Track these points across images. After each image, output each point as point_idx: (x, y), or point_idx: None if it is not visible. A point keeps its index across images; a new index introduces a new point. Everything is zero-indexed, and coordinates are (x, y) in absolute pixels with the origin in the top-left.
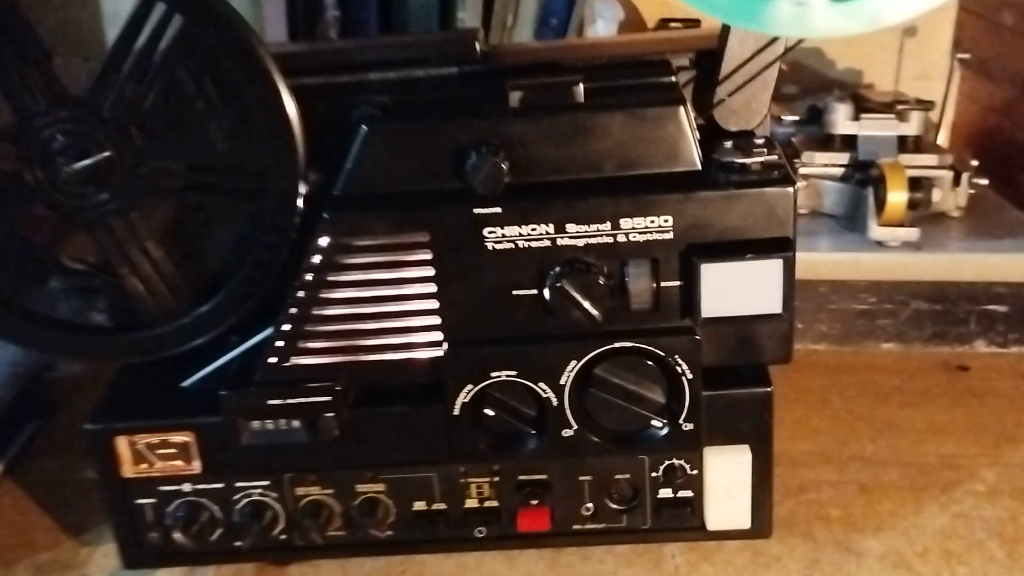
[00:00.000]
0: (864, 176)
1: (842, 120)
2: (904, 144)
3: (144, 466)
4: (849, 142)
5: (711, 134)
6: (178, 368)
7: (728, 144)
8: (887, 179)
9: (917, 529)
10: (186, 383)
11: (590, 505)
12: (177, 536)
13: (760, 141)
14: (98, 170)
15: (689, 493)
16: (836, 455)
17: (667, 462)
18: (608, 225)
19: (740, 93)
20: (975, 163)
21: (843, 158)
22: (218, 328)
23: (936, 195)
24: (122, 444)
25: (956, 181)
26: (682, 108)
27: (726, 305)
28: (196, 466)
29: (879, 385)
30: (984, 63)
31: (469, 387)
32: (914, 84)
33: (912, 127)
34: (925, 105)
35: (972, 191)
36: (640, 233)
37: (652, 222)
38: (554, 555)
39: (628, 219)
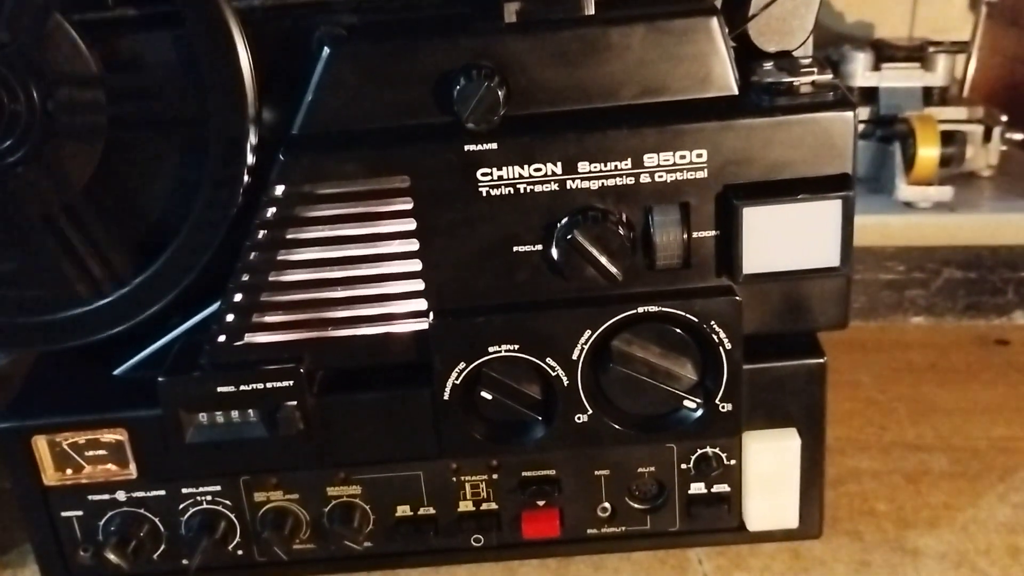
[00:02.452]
0: (888, 132)
1: (861, 71)
2: (929, 97)
3: (69, 472)
4: (869, 95)
5: (744, 56)
6: (108, 355)
7: (768, 65)
8: (917, 133)
9: (977, 523)
10: (118, 371)
11: (607, 505)
12: (111, 556)
13: (807, 60)
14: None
15: (725, 488)
16: (874, 441)
17: (700, 451)
18: (628, 163)
19: (778, 5)
20: (1005, 118)
21: (863, 113)
22: (156, 304)
23: (969, 151)
24: (42, 445)
25: (987, 137)
26: (715, 19)
27: (772, 258)
28: (131, 470)
29: (912, 362)
30: (1013, 9)
31: (461, 366)
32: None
33: (938, 77)
34: (957, 47)
35: (1003, 147)
36: (667, 172)
37: (682, 158)
38: (562, 566)
39: (653, 155)
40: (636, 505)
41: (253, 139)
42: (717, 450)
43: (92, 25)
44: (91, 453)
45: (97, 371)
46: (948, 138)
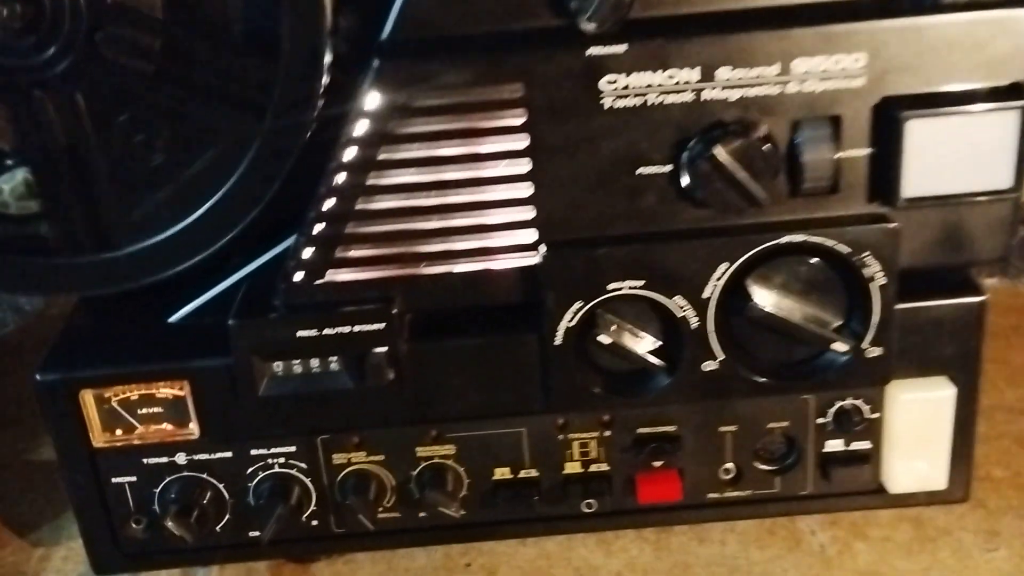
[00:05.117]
0: None
1: None
2: None
3: (120, 432)
4: None
5: None
6: (156, 302)
7: None
8: None
9: None
10: (173, 318)
11: (731, 466)
12: (171, 526)
13: None
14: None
15: (866, 444)
16: None
17: (840, 403)
18: (776, 68)
19: None
20: None
21: None
22: (213, 244)
23: None
24: (89, 401)
25: None
26: None
27: (936, 180)
28: (193, 429)
29: (995, 325)
30: None
31: (577, 305)
32: None
33: None
34: None
35: None
36: (820, 80)
37: (837, 63)
38: (660, 537)
39: (804, 59)
40: (764, 466)
41: (330, 54)
42: (860, 402)
43: None
44: (145, 411)
45: (147, 319)
46: None
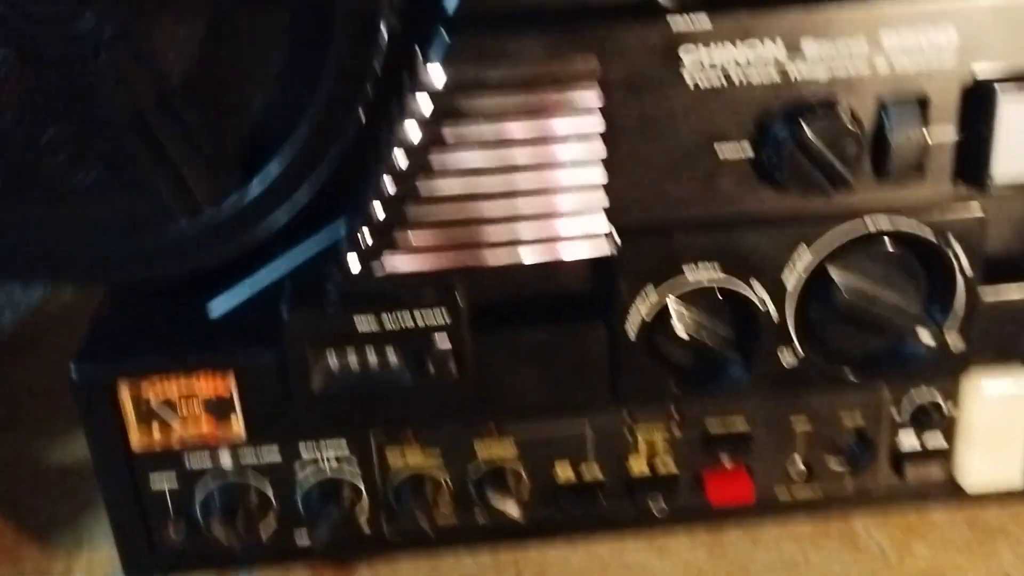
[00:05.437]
0: None
1: None
2: None
3: (159, 432)
4: None
5: None
6: (195, 296)
7: None
8: None
9: None
10: (213, 311)
11: (802, 464)
12: (217, 532)
13: None
14: None
15: (941, 440)
16: None
17: (917, 397)
18: (864, 44)
19: None
20: None
21: None
22: (263, 227)
23: None
24: (127, 399)
25: None
26: None
27: None
28: (237, 429)
29: None
30: None
31: (651, 295)
32: None
33: None
34: None
35: None
36: (908, 56)
37: (926, 39)
38: (714, 540)
39: (892, 34)
40: (834, 464)
41: (389, 21)
42: (937, 395)
43: None
44: (184, 410)
45: (185, 313)
46: None
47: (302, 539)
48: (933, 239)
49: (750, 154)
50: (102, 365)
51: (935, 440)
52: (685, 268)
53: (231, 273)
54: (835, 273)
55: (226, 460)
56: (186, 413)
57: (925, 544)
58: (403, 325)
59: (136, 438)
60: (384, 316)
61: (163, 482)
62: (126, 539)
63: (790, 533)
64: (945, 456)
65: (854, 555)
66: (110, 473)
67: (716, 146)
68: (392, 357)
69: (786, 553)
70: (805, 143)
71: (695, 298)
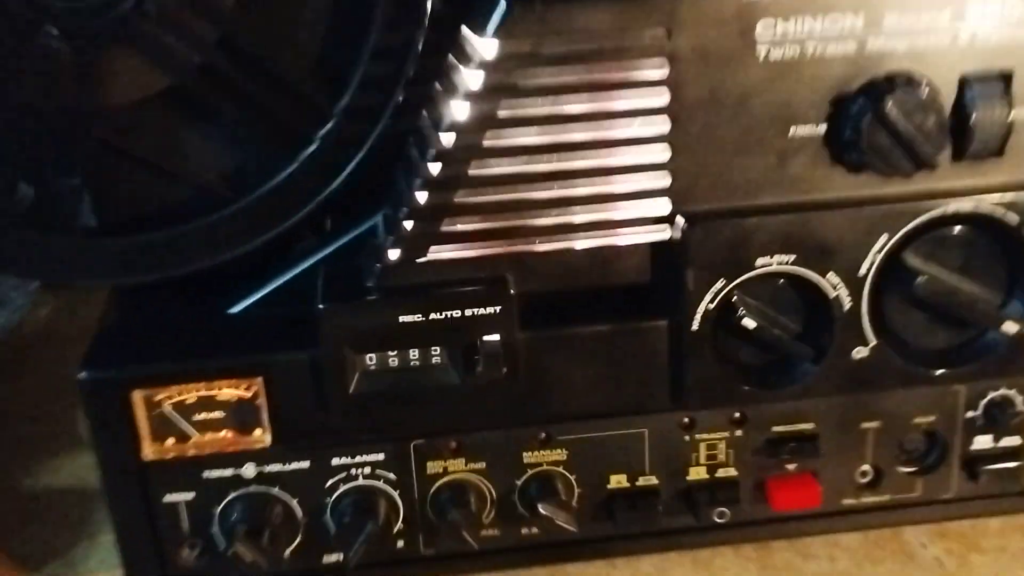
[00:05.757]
0: None
1: None
2: None
3: (173, 442)
4: None
5: None
6: (211, 293)
7: None
8: None
9: None
10: (235, 308)
11: (869, 468)
12: (240, 550)
13: None
14: None
15: (1017, 441)
16: None
17: (993, 393)
18: (947, 16)
19: None
20: None
21: None
22: (293, 214)
23: None
24: (140, 404)
25: None
26: None
27: None
28: (262, 436)
29: None
30: None
31: (719, 285)
32: None
33: None
34: None
35: None
36: (993, 29)
37: (1010, 10)
38: (761, 555)
39: (977, 4)
40: (905, 467)
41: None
42: (1013, 392)
43: None
44: (202, 416)
45: (201, 311)
46: None
47: (330, 558)
48: (1017, 223)
49: (825, 132)
50: (112, 373)
51: (1010, 440)
52: (756, 256)
53: (250, 271)
54: (912, 260)
55: (249, 471)
56: (206, 419)
57: (982, 555)
58: (450, 318)
59: (148, 450)
60: (429, 309)
61: (179, 497)
62: (136, 562)
63: (841, 546)
64: (1021, 457)
65: (910, 568)
66: (120, 489)
67: (789, 125)
68: (436, 355)
69: (841, 566)
70: (884, 118)
71: (763, 288)
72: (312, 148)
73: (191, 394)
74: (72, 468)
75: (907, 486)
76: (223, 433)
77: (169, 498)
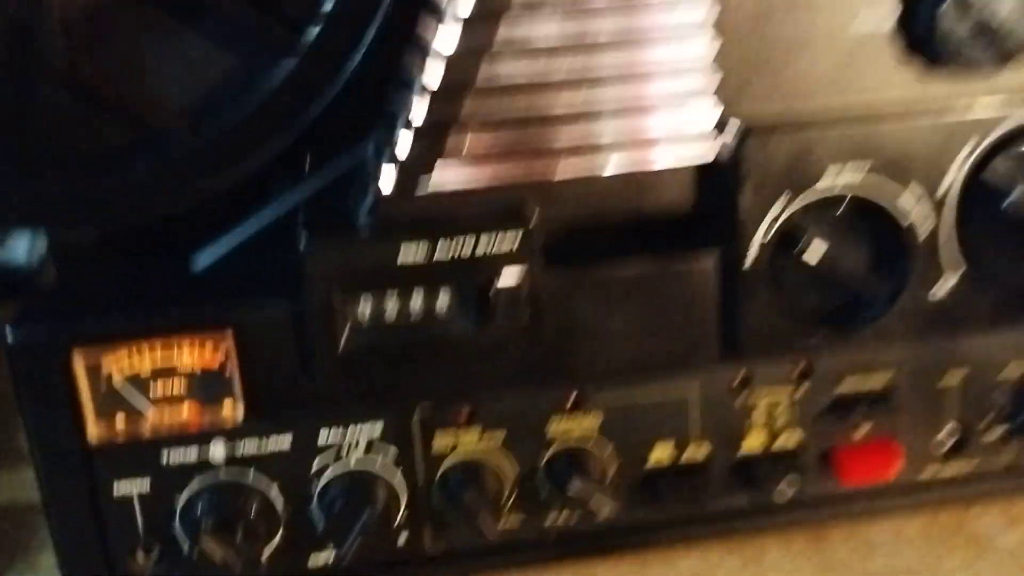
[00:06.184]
0: None
1: None
2: None
3: (125, 419)
4: None
5: None
6: (171, 249)
7: None
8: None
9: None
10: (198, 264)
11: (949, 430)
12: (208, 548)
13: None
14: None
15: None
16: None
17: None
18: None
19: None
20: None
21: None
22: (270, 147)
23: None
24: (83, 373)
25: None
26: None
27: None
28: (233, 409)
29: None
30: None
31: (777, 210)
32: None
33: None
34: None
35: None
36: None
37: None
38: (815, 548)
39: None
40: (990, 429)
41: None
42: None
43: None
44: (160, 386)
45: (160, 266)
46: None
47: (317, 559)
48: None
49: (895, 26)
50: (49, 329)
51: None
52: (819, 174)
53: (217, 221)
54: (1000, 176)
55: (217, 452)
56: (163, 389)
57: None
58: (459, 255)
59: (94, 431)
60: (436, 245)
61: (132, 488)
62: (77, 572)
63: (901, 537)
64: None
65: (984, 561)
66: (58, 480)
67: (855, 17)
68: (443, 300)
69: (910, 557)
70: (970, 5)
71: (826, 216)
72: (291, 62)
73: (144, 357)
74: (10, 484)
75: (995, 451)
76: (185, 406)
77: (120, 490)
